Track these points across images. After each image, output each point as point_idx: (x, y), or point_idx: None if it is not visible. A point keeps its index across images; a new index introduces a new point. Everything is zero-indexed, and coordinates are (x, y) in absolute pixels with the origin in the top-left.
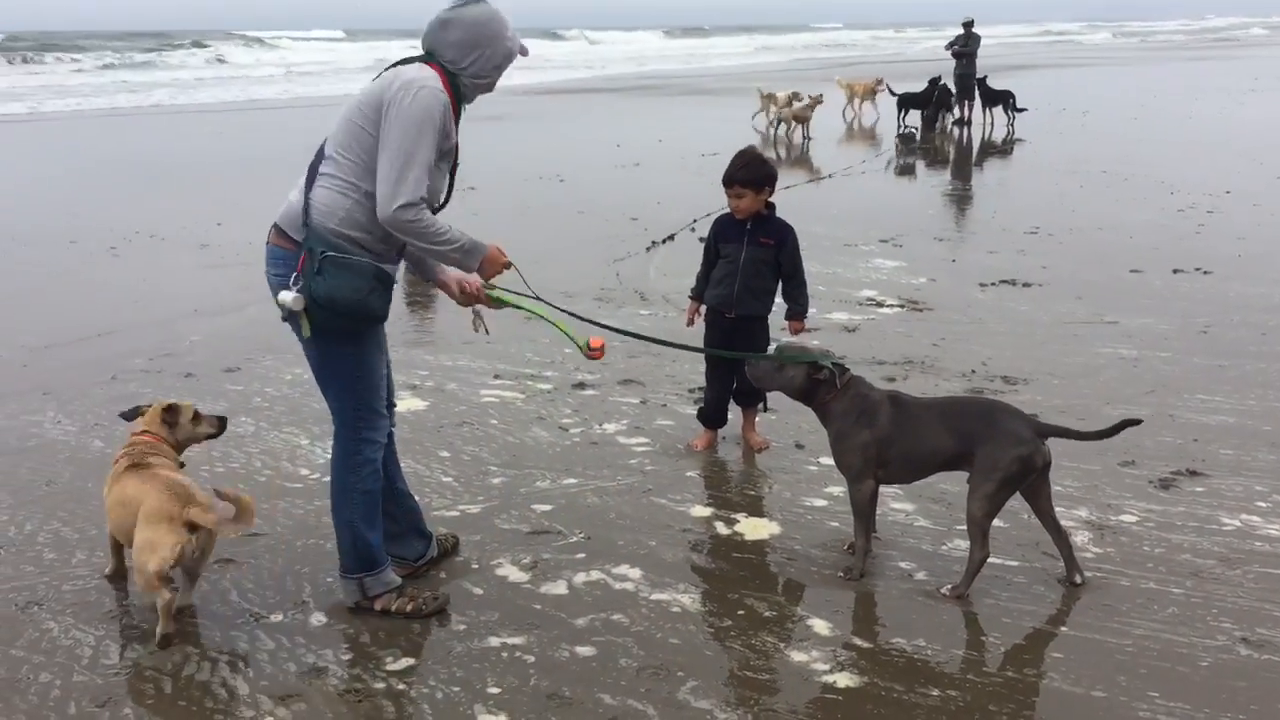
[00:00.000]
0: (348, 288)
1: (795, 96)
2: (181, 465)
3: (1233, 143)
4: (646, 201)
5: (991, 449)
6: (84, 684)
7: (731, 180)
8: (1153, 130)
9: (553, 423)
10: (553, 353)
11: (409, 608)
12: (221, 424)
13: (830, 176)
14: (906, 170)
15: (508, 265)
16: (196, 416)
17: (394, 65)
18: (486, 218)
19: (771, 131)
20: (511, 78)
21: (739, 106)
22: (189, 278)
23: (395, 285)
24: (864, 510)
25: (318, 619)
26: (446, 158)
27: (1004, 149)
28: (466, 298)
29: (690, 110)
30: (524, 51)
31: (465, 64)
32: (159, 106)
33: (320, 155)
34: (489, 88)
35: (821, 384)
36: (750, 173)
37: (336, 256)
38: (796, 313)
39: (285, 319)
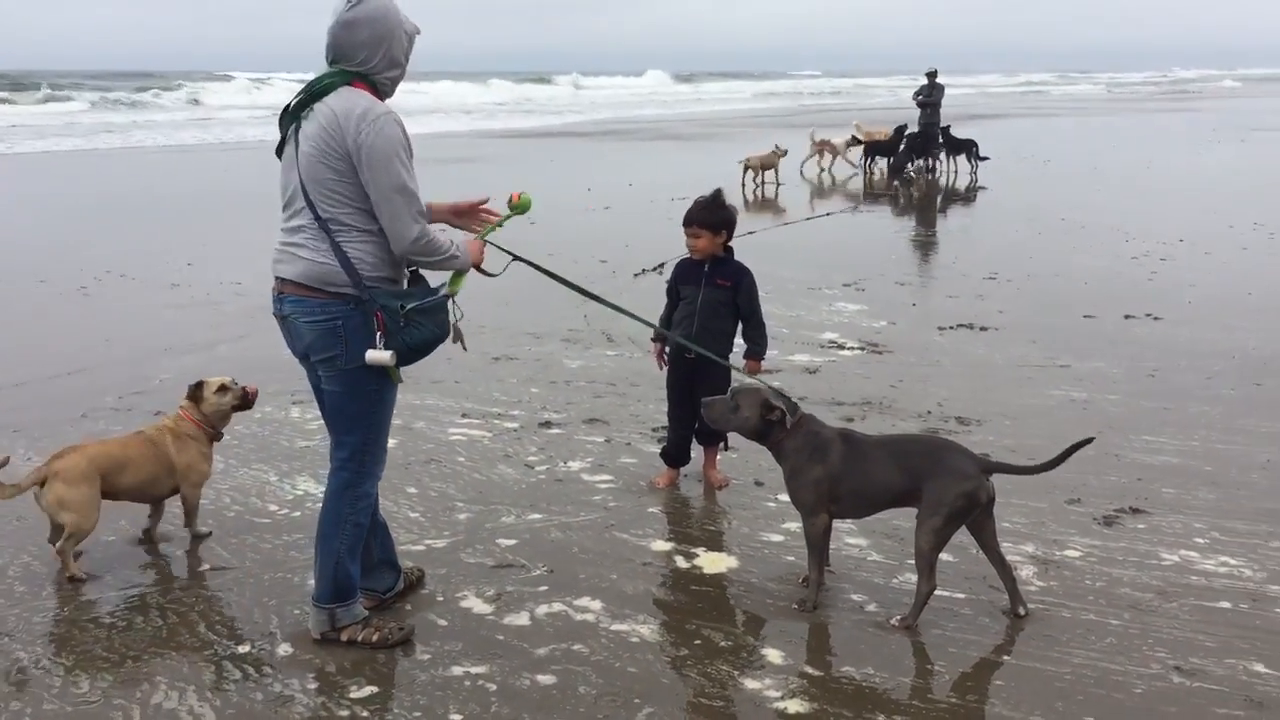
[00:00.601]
0: (437, 326)
1: (854, 142)
2: (215, 438)
3: (1188, 192)
4: (615, 244)
5: (938, 485)
6: (54, 712)
7: (690, 220)
8: (1111, 179)
9: (519, 460)
10: (520, 392)
11: (375, 638)
12: (240, 394)
13: (828, 216)
14: (904, 212)
15: (486, 232)
16: (223, 389)
17: (314, 95)
18: None
19: (820, 176)
20: (495, 121)
21: (710, 151)
22: (159, 317)
23: None
24: (817, 544)
25: (284, 650)
26: (412, 159)
27: (967, 196)
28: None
29: (663, 155)
30: (417, 30)
31: (377, 61)
32: (141, 147)
33: (315, 218)
34: (402, 76)
35: (774, 424)
36: (709, 215)
37: (420, 305)
38: (754, 353)
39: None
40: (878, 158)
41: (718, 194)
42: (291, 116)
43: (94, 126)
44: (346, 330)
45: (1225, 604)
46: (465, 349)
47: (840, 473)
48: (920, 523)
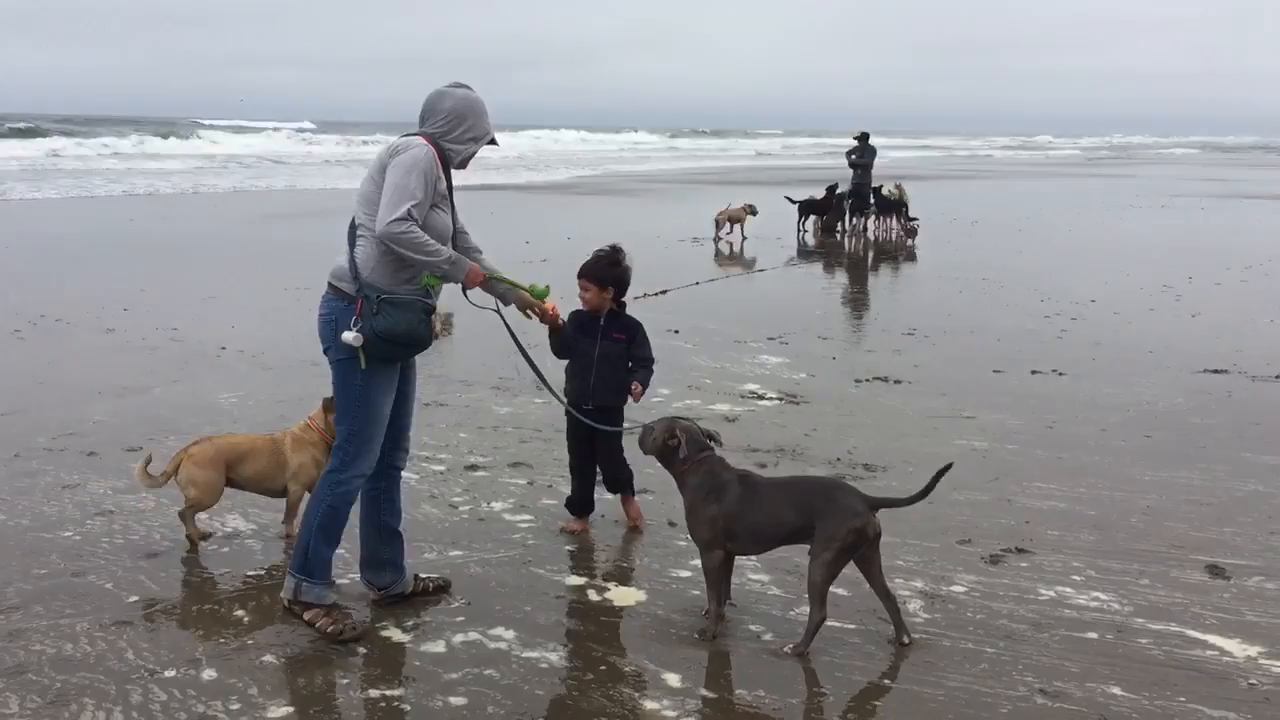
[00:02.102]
0: (403, 321)
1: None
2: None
3: (1104, 254)
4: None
5: (830, 521)
6: None
7: (580, 273)
8: (1033, 241)
9: (443, 500)
10: (448, 437)
11: (330, 629)
12: None
13: (761, 272)
14: (832, 269)
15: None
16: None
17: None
18: None
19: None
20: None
21: (649, 206)
22: (94, 361)
23: None
24: (714, 577)
25: (209, 674)
26: (443, 202)
27: (895, 256)
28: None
29: (604, 210)
30: (494, 141)
31: (447, 129)
32: (90, 195)
33: (351, 225)
34: (468, 158)
35: (673, 451)
36: (598, 269)
37: (391, 297)
38: (637, 379)
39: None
40: (811, 216)
41: (613, 250)
42: None
43: (46, 171)
44: (338, 323)
45: (1093, 634)
46: (435, 336)
47: (736, 512)
48: (814, 557)
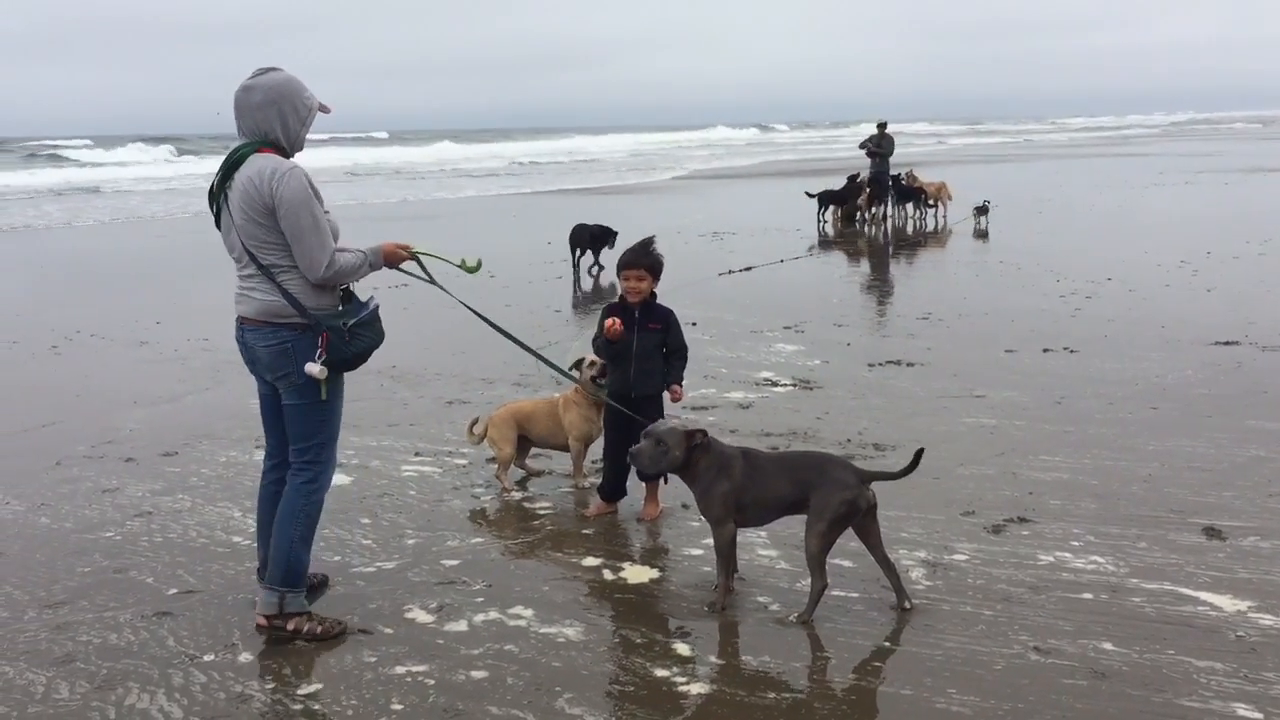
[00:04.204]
0: (374, 335)
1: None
2: (599, 404)
3: (1123, 233)
4: (570, 294)
5: (824, 494)
6: (38, 714)
7: (636, 264)
8: (1052, 222)
9: (466, 492)
10: None
11: (319, 630)
12: (601, 367)
13: (781, 262)
14: (853, 258)
15: (411, 254)
16: (591, 364)
17: (231, 168)
18: (416, 311)
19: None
20: (511, 183)
21: (657, 204)
22: (128, 372)
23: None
24: (725, 551)
25: (245, 657)
26: (322, 202)
27: (914, 242)
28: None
29: (624, 207)
30: (324, 109)
31: (274, 125)
32: (123, 215)
33: (257, 265)
34: (299, 140)
35: (697, 449)
36: (652, 259)
37: (360, 320)
38: (677, 379)
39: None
40: (830, 206)
41: (649, 241)
42: (219, 190)
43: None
44: (295, 351)
45: (1088, 595)
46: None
47: (742, 486)
48: (809, 528)
